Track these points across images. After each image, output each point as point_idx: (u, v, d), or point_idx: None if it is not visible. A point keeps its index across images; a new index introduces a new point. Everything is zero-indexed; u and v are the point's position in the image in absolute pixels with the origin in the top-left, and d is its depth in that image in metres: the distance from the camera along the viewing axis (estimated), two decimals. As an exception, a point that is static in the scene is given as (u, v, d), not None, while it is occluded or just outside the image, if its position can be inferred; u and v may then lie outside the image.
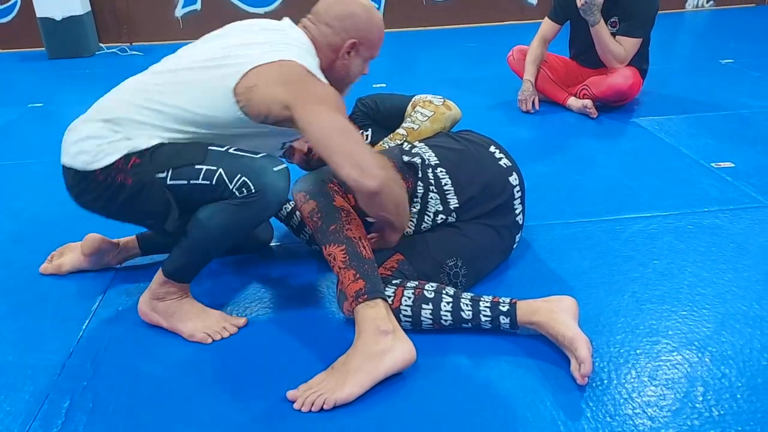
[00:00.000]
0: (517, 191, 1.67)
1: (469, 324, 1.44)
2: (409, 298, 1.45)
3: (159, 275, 1.49)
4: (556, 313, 1.39)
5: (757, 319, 1.51)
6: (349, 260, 1.39)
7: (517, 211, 1.68)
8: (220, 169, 1.36)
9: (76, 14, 4.69)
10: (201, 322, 1.49)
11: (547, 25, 3.12)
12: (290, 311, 1.60)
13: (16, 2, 5.05)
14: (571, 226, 1.98)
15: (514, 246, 1.73)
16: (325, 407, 1.26)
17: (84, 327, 1.56)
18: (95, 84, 3.91)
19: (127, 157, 1.38)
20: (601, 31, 2.86)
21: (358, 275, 1.38)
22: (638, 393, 1.29)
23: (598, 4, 2.80)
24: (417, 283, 1.48)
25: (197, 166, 1.37)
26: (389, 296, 1.44)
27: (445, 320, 1.44)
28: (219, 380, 1.37)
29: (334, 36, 1.52)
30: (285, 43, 1.43)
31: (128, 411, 1.29)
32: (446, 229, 1.61)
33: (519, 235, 1.72)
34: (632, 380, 1.33)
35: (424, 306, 1.44)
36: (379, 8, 5.30)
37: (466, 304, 1.44)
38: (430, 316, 1.44)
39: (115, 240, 1.78)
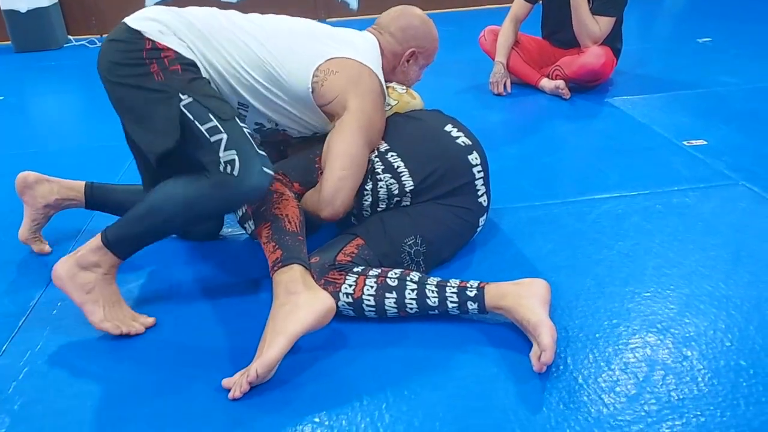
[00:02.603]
0: (479, 171, 1.60)
1: (436, 311, 1.38)
2: (372, 287, 1.38)
3: (95, 241, 1.37)
4: (524, 298, 1.33)
5: (723, 299, 1.45)
6: (272, 234, 1.41)
7: (479, 193, 1.61)
8: (225, 135, 1.36)
9: (42, 6, 4.56)
10: (114, 311, 1.40)
11: (518, 5, 3.05)
12: (227, 301, 1.53)
13: (-19, -5, 4.92)
14: (536, 209, 1.91)
15: (479, 229, 1.66)
16: (249, 380, 1.20)
17: (20, 323, 1.48)
18: (62, 76, 3.81)
19: (174, 58, 1.42)
20: (581, 3, 2.79)
21: (277, 246, 1.38)
22: (594, 379, 1.23)
23: None
24: (380, 270, 1.41)
25: (212, 117, 1.38)
26: (350, 285, 1.38)
27: (411, 308, 1.38)
28: (157, 376, 1.29)
29: (396, 45, 1.69)
30: (369, 50, 1.61)
31: (59, 412, 1.21)
32: (404, 209, 1.55)
33: (484, 217, 1.65)
34: (589, 365, 1.26)
35: (387, 295, 1.37)
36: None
37: (432, 291, 1.37)
38: (395, 305, 1.38)
39: (52, 178, 1.75)
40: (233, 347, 1.37)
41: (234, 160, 1.34)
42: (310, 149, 1.64)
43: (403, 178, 1.54)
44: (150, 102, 1.39)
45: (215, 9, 1.57)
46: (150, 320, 1.45)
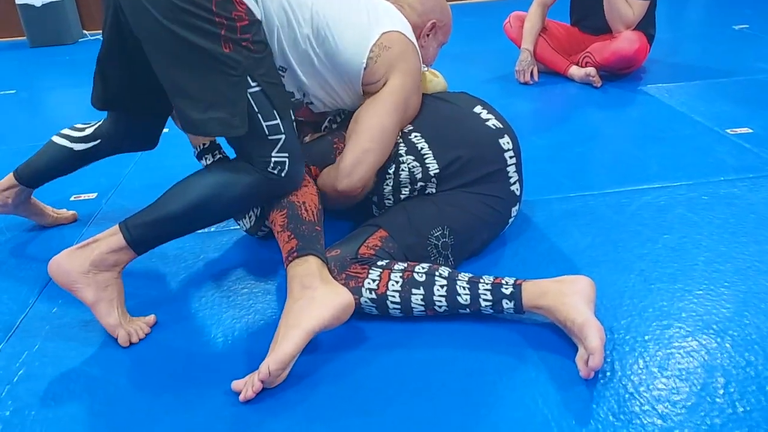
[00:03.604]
0: (511, 157, 1.47)
1: (468, 309, 1.25)
2: (397, 282, 1.26)
3: (114, 240, 1.23)
4: (567, 296, 1.19)
5: (786, 297, 1.30)
6: (287, 223, 1.30)
7: (512, 180, 1.47)
8: (284, 137, 1.28)
9: (57, 0, 4.51)
10: (124, 315, 1.29)
11: (546, -10, 2.90)
12: (234, 297, 1.42)
13: (-3, -10, 4.89)
14: (571, 201, 1.77)
15: (511, 220, 1.53)
16: (261, 378, 1.08)
17: (18, 323, 1.38)
18: (75, 71, 3.73)
19: (246, 23, 1.21)
20: None
21: (292, 236, 1.28)
22: (647, 387, 1.09)
23: None
24: (406, 265, 1.29)
25: (276, 114, 1.26)
26: (374, 280, 1.26)
27: (440, 306, 1.25)
28: (160, 379, 1.18)
29: (416, 17, 1.57)
30: (405, 22, 1.48)
31: (52, 420, 1.10)
32: (429, 198, 1.43)
33: (516, 208, 1.52)
34: (640, 372, 1.13)
35: (414, 291, 1.25)
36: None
37: (463, 287, 1.25)
38: (422, 302, 1.25)
39: None
40: (241, 347, 1.26)
41: (285, 162, 1.29)
42: (329, 133, 1.52)
43: (427, 161, 1.42)
44: (212, 70, 1.20)
45: None
46: (151, 318, 1.34)
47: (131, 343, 1.27)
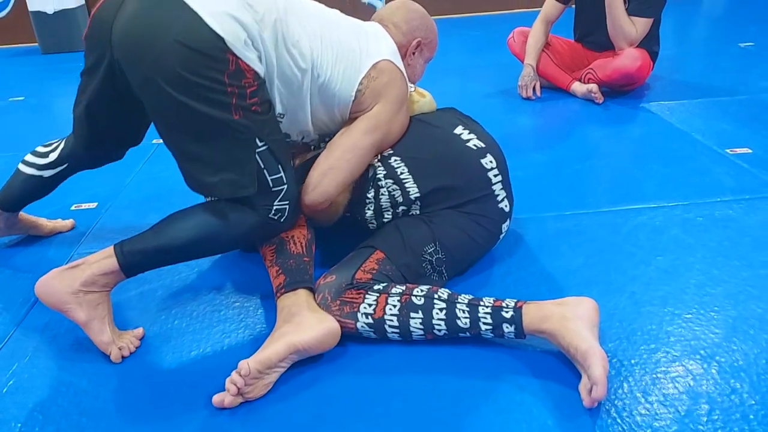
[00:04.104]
0: (495, 175, 1.47)
1: (467, 333, 1.24)
2: (395, 306, 1.25)
3: (107, 263, 1.24)
4: (570, 321, 1.17)
5: (775, 323, 1.30)
6: (276, 258, 1.36)
7: (499, 198, 1.47)
8: (286, 187, 1.31)
9: (69, 7, 4.56)
10: (112, 331, 1.29)
11: (550, 6, 2.91)
12: (223, 312, 1.43)
13: (10, -3, 4.95)
14: (565, 219, 1.77)
15: (501, 236, 1.53)
16: (242, 374, 1.12)
17: (10, 334, 1.39)
18: (84, 78, 3.77)
19: (254, 88, 1.23)
20: (616, 2, 2.63)
21: (280, 271, 1.33)
22: (629, 412, 1.09)
23: None
24: (404, 288, 1.29)
25: (280, 168, 1.30)
26: (370, 304, 1.26)
27: (439, 329, 1.24)
28: (148, 393, 1.19)
29: (401, 36, 1.56)
30: (392, 45, 1.48)
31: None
32: (419, 216, 1.44)
33: (506, 224, 1.52)
34: (624, 396, 1.13)
35: (413, 314, 1.24)
36: (382, 1, 5.12)
37: (463, 310, 1.24)
38: (421, 326, 1.24)
39: None
40: (230, 362, 1.26)
41: (285, 209, 1.33)
42: (317, 154, 1.53)
43: (407, 185, 1.42)
44: (222, 136, 1.22)
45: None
46: (139, 331, 1.35)
47: (123, 358, 1.28)
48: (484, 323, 1.22)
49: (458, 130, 1.50)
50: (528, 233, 1.70)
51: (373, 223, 1.48)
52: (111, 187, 2.12)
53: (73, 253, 1.71)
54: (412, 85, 1.62)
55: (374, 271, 1.33)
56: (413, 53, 1.59)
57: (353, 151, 1.40)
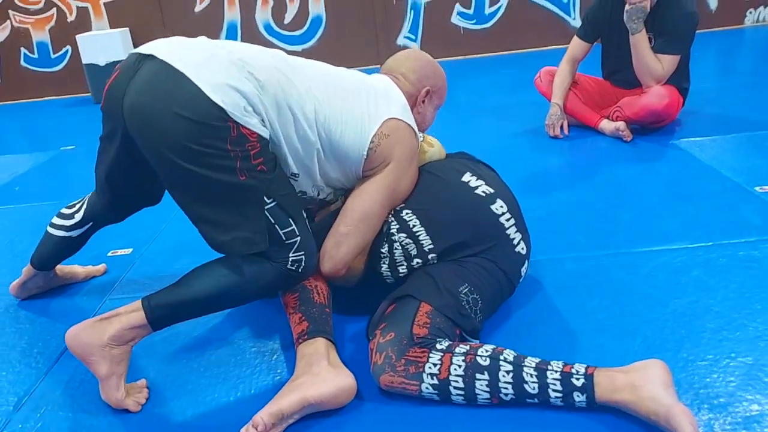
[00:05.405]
0: (507, 219, 1.47)
1: (536, 399, 1.19)
2: (459, 366, 1.22)
3: (135, 317, 1.29)
4: (642, 389, 1.13)
5: (794, 371, 1.26)
6: (299, 305, 1.40)
7: (515, 242, 1.48)
8: (299, 239, 1.35)
9: (120, 59, 4.80)
10: (124, 387, 1.33)
11: (576, 45, 2.94)
12: (234, 362, 1.47)
13: (67, 51, 5.28)
14: (584, 260, 1.77)
15: (521, 279, 1.53)
16: (253, 425, 1.15)
17: (40, 380, 1.47)
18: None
19: (258, 150, 1.28)
20: (641, 41, 2.64)
21: (303, 318, 1.37)
22: (633, 463, 1.08)
23: (645, 11, 2.60)
24: (468, 347, 1.25)
25: (291, 221, 1.34)
26: (435, 364, 1.23)
27: (506, 394, 1.20)
28: (162, 438, 1.25)
29: (410, 86, 1.60)
30: (402, 99, 1.52)
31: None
32: (443, 263, 1.44)
33: (525, 266, 1.52)
34: (629, 446, 1.11)
35: (478, 376, 1.21)
36: (416, 40, 5.23)
37: (531, 374, 1.19)
38: (487, 389, 1.20)
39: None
40: (245, 407, 1.30)
41: (301, 260, 1.37)
42: (335, 210, 1.56)
43: (420, 238, 1.44)
44: (230, 197, 1.29)
45: (271, 55, 1.40)
46: (143, 382, 1.39)
47: (141, 406, 1.33)
48: (554, 390, 1.18)
49: (466, 177, 1.52)
50: (545, 274, 1.70)
51: (389, 277, 1.49)
52: (147, 232, 2.22)
53: (106, 299, 1.80)
54: (422, 135, 1.66)
55: (428, 325, 1.31)
56: (423, 101, 1.62)
57: (366, 216, 1.44)
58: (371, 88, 1.50)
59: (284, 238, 1.34)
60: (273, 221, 1.32)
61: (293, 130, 1.35)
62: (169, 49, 1.29)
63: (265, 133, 1.30)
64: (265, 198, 1.30)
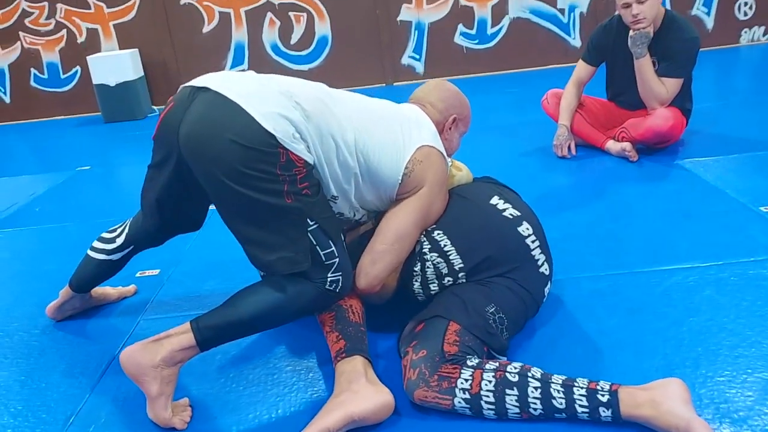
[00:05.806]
0: (533, 241, 1.55)
1: (564, 414, 1.26)
2: (490, 381, 1.29)
3: (185, 338, 1.35)
4: (663, 405, 1.21)
5: (808, 385, 1.33)
6: (336, 324, 1.47)
7: (539, 262, 1.56)
8: (338, 260, 1.43)
9: (129, 80, 4.92)
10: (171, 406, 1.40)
11: (581, 68, 3.03)
12: (277, 380, 1.54)
13: (77, 71, 5.36)
14: (599, 280, 1.84)
15: (544, 299, 1.60)
16: None
17: (85, 400, 1.53)
18: (145, 145, 4.01)
19: (304, 174, 1.36)
20: (646, 65, 2.74)
21: (340, 336, 1.44)
22: (661, 475, 1.15)
23: (649, 36, 2.70)
24: (498, 364, 1.33)
25: (331, 243, 1.41)
26: (467, 379, 1.30)
27: (535, 409, 1.27)
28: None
29: (438, 114, 1.68)
30: (432, 127, 1.60)
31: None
32: (470, 283, 1.52)
33: (548, 287, 1.59)
34: (656, 459, 1.18)
35: (508, 391, 1.28)
36: (420, 60, 5.33)
37: (558, 390, 1.26)
38: (516, 404, 1.27)
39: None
40: (284, 425, 1.36)
41: (339, 280, 1.44)
42: (364, 231, 1.64)
43: (451, 257, 1.51)
44: (277, 219, 1.36)
45: (314, 88, 1.49)
46: (185, 401, 1.44)
47: (186, 424, 1.39)
48: (580, 405, 1.25)
49: (494, 200, 1.60)
50: (563, 294, 1.77)
51: (421, 295, 1.56)
52: (172, 253, 2.28)
53: (140, 319, 1.87)
54: (450, 160, 1.74)
55: (458, 343, 1.37)
56: (450, 128, 1.71)
57: (401, 236, 1.51)
58: (404, 117, 1.58)
59: (324, 259, 1.41)
60: (315, 242, 1.39)
61: (335, 156, 1.43)
62: (221, 81, 1.39)
63: (310, 159, 1.39)
64: (309, 220, 1.38)
